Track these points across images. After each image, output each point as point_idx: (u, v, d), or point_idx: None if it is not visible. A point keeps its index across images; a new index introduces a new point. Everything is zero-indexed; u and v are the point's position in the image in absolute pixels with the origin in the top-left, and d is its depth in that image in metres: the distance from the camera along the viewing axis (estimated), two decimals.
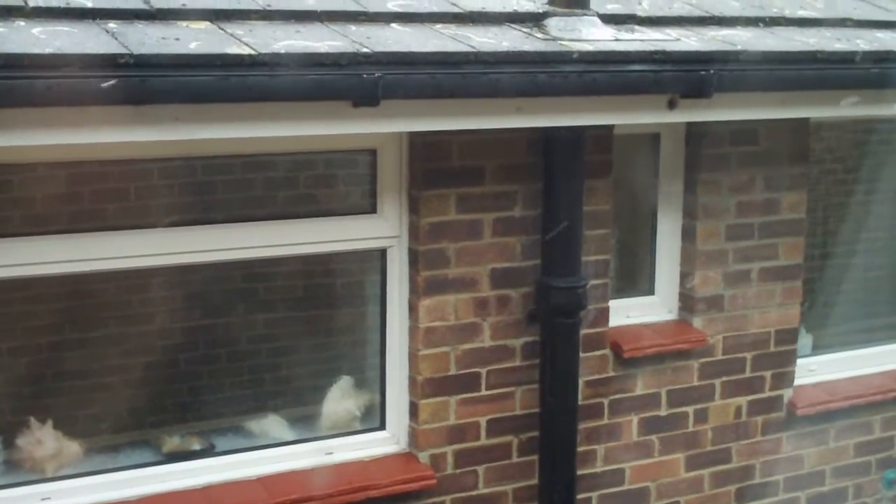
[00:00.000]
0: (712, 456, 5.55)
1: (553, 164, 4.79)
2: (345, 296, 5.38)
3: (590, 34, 4.54)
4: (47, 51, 3.49)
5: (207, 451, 4.79)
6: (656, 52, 4.50)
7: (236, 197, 4.92)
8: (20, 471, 4.48)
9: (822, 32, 5.18)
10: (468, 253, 4.79)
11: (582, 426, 5.11)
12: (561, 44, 4.41)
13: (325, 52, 3.89)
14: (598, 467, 5.26)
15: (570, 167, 4.78)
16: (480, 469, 4.96)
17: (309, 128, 4.06)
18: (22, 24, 3.70)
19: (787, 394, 5.71)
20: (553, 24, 4.56)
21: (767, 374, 5.63)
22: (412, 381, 4.85)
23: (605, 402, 5.23)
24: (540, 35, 4.49)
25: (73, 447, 4.58)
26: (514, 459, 5.03)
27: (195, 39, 3.80)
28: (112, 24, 3.82)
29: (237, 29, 3.98)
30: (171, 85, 3.63)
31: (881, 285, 6.74)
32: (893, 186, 6.68)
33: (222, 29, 3.97)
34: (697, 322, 5.44)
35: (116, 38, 3.68)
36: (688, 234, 5.43)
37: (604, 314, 5.16)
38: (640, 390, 5.31)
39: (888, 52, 5.05)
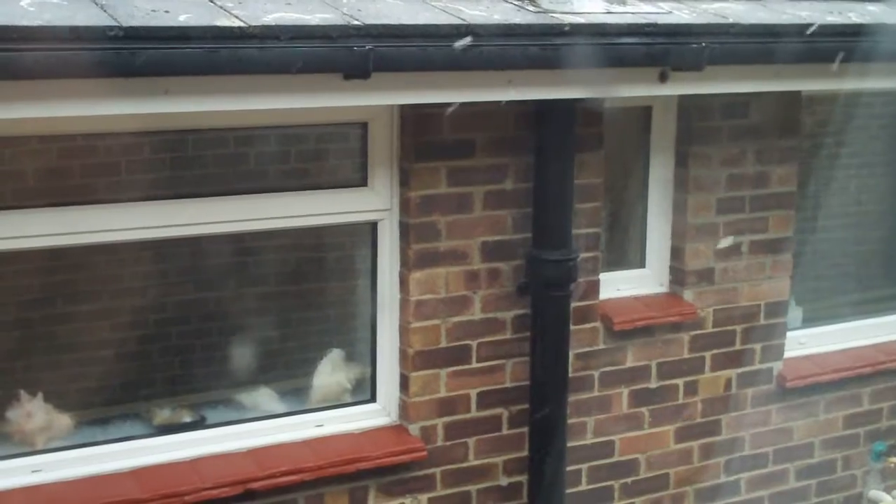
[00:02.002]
0: (702, 428, 5.57)
1: (544, 138, 4.78)
2: (336, 269, 5.38)
3: (581, 7, 4.52)
4: (36, 23, 3.46)
5: (198, 424, 4.80)
6: (648, 25, 4.49)
7: (226, 170, 4.91)
8: (10, 443, 4.49)
9: (814, 5, 5.16)
10: (459, 226, 4.79)
11: (572, 398, 5.12)
12: (552, 16, 4.39)
13: (316, 25, 3.87)
14: (588, 439, 5.28)
15: (562, 140, 4.78)
16: (471, 441, 4.98)
17: (299, 100, 4.04)
18: None
19: (777, 366, 5.73)
20: None
21: (757, 346, 5.65)
22: (403, 354, 4.86)
23: (596, 374, 5.25)
24: (531, 8, 4.47)
25: (64, 419, 4.59)
26: (505, 432, 5.04)
27: (185, 11, 3.77)
28: None
29: (227, 1, 3.95)
30: (160, 57, 3.61)
31: (870, 258, 6.75)
32: (883, 159, 6.68)
33: (212, 1, 3.94)
34: (688, 295, 5.45)
35: (106, 11, 3.66)
36: (679, 208, 5.43)
37: (594, 287, 5.17)
38: (630, 363, 5.32)
39: (880, 25, 5.03)
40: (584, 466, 5.29)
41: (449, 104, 4.51)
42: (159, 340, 5.28)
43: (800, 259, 5.86)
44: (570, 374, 5.08)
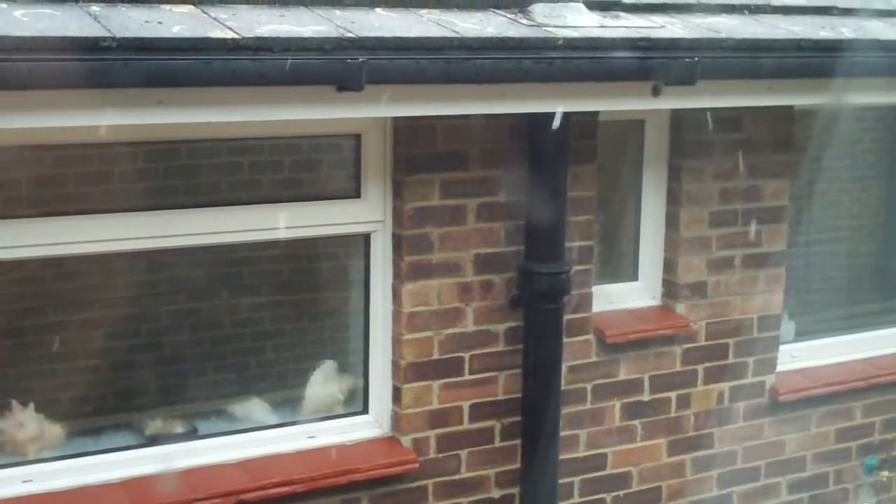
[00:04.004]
0: (694, 441, 5.57)
1: (537, 150, 4.79)
2: (328, 280, 5.38)
3: (575, 21, 4.53)
4: (29, 33, 3.48)
5: (190, 435, 4.79)
6: (641, 40, 4.50)
7: (220, 181, 4.92)
8: (1, 453, 4.48)
9: (807, 20, 5.18)
10: (452, 238, 4.80)
11: (564, 411, 5.12)
12: (546, 30, 4.40)
13: (310, 37, 3.88)
14: (581, 452, 5.28)
15: (555, 153, 4.79)
16: (463, 453, 4.98)
17: (293, 112, 4.05)
18: (4, 6, 3.67)
19: (770, 380, 5.74)
20: (538, 10, 4.56)
21: (750, 360, 5.65)
22: (395, 366, 4.86)
23: (588, 387, 5.25)
24: (525, 21, 4.49)
25: (55, 430, 4.59)
26: (497, 444, 5.04)
27: (178, 23, 3.78)
28: (95, 7, 3.81)
29: (221, 13, 3.96)
30: (154, 68, 3.62)
31: (863, 272, 6.76)
32: (876, 173, 6.70)
33: (206, 13, 3.95)
34: (681, 308, 5.45)
35: (99, 21, 3.67)
36: (671, 221, 5.44)
37: (587, 300, 5.17)
38: (622, 375, 5.32)
39: (873, 41, 5.05)
40: (577, 479, 5.28)
41: (442, 116, 4.52)
42: (151, 351, 5.27)
43: (793, 272, 5.86)
44: (563, 387, 5.08)
